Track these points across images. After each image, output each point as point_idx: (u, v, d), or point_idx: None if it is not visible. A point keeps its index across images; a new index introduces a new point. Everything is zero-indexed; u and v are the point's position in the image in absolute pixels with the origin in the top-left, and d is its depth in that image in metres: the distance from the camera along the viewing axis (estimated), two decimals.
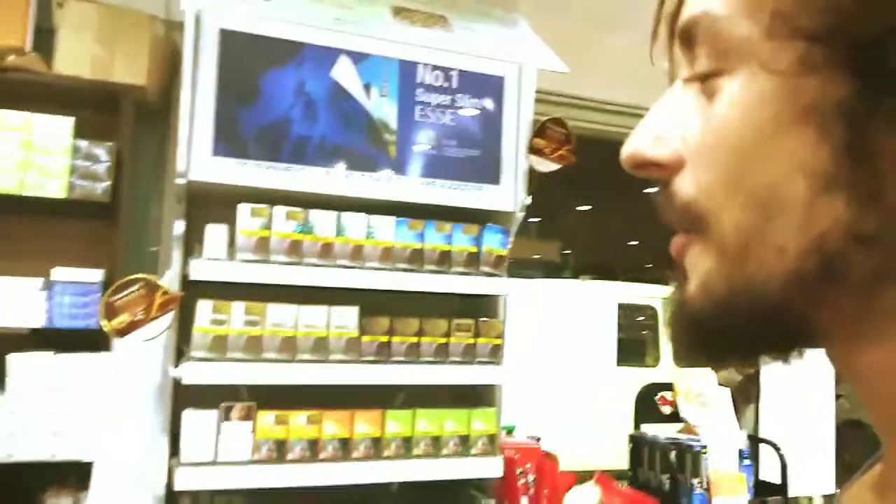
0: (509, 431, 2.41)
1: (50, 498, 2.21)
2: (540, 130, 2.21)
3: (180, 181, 1.87)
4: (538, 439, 2.68)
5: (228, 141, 1.93)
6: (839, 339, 0.41)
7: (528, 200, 2.19)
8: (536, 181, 2.19)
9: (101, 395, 2.11)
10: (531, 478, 2.19)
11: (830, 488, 4.11)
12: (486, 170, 2.18)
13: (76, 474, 2.22)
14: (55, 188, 2.19)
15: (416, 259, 2.07)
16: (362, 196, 2.06)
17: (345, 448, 1.98)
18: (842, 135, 0.36)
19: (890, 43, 0.34)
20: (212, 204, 1.96)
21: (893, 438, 0.41)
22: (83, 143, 2.22)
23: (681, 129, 0.42)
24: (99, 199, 2.25)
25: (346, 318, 2.00)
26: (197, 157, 1.89)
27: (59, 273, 2.22)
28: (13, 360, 2.15)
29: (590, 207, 9.99)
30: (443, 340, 2.09)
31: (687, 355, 0.45)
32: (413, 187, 2.10)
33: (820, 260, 0.37)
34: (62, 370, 2.20)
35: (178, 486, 1.83)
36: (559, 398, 4.71)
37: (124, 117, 2.35)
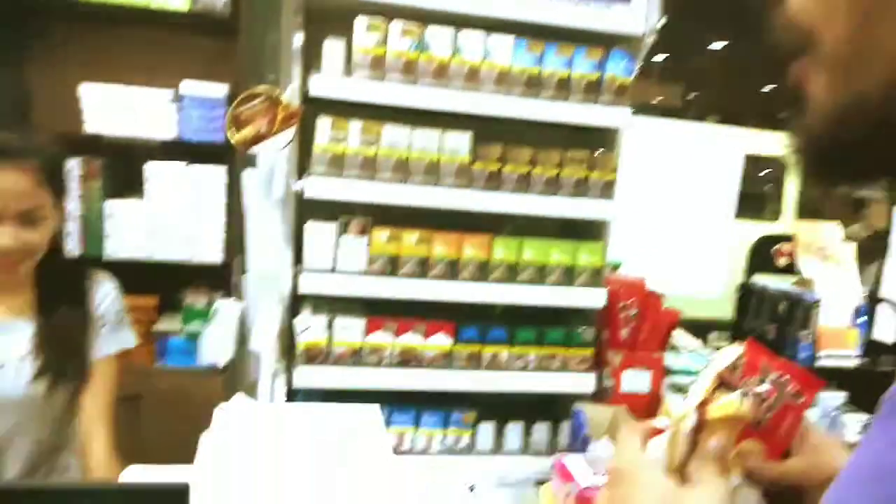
0: (615, 268, 2.42)
1: (187, 296, 2.47)
2: None
3: None
4: (644, 279, 2.68)
5: None
6: None
7: (662, 22, 2.02)
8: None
9: (232, 205, 2.26)
10: (633, 312, 2.21)
11: None
12: None
13: (208, 276, 2.45)
14: (180, 2, 2.23)
15: (533, 85, 1.99)
16: (480, 14, 1.95)
17: (453, 268, 2.06)
18: None
19: None
20: (330, 17, 1.93)
21: None
22: None
23: None
24: (219, 15, 2.27)
25: (459, 143, 2.00)
26: None
27: (187, 86, 2.31)
28: (150, 167, 2.32)
29: (724, 45, 9.19)
30: (555, 172, 2.06)
31: (812, 178, 0.46)
32: (535, 3, 1.97)
33: None
34: (194, 180, 2.35)
35: (301, 290, 1.98)
36: (670, 243, 4.64)
37: None
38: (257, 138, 1.86)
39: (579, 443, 1.93)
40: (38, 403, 1.39)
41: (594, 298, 2.14)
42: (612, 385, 2.14)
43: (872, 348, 3.22)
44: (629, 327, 2.20)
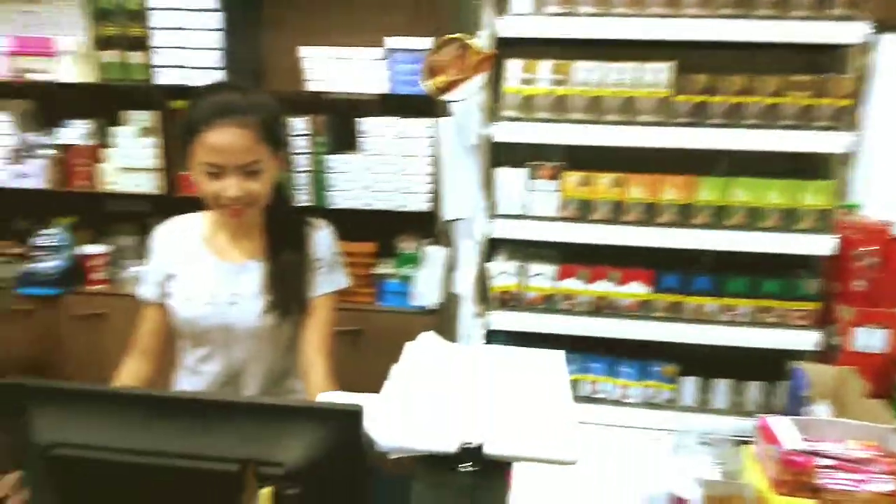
0: (851, 209, 2.09)
1: (401, 241, 2.63)
2: None
3: None
4: (889, 223, 2.29)
5: None
6: None
7: None
8: None
9: (435, 155, 2.34)
10: (872, 261, 1.90)
11: None
12: None
13: (418, 223, 2.58)
14: None
15: (743, 3, 1.76)
16: None
17: (650, 212, 1.93)
18: None
19: None
20: None
21: None
22: None
23: None
24: None
25: (657, 75, 1.85)
26: None
27: (394, 41, 2.41)
28: (366, 123, 2.48)
29: None
30: (772, 101, 1.82)
31: None
32: None
33: None
34: (403, 133, 2.47)
35: (494, 235, 2.01)
36: None
37: None
38: (451, 84, 1.90)
39: (795, 405, 1.73)
40: (269, 334, 1.57)
41: (821, 245, 1.87)
42: (840, 343, 1.87)
43: None
44: (865, 279, 1.90)
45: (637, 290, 1.97)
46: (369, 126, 2.48)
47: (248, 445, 0.94)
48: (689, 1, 1.78)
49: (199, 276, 1.54)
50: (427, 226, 2.54)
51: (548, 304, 2.02)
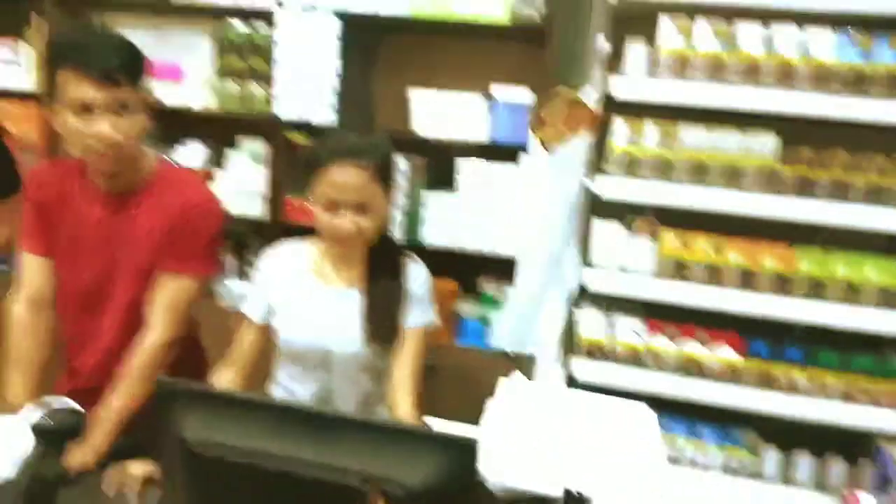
0: None
1: (484, 283, 2.69)
2: None
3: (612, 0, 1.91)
4: None
5: None
6: None
7: None
8: None
9: (528, 201, 2.41)
10: None
11: None
12: None
13: (503, 266, 2.64)
14: (500, 14, 2.44)
15: (858, 82, 1.80)
16: (796, 7, 1.82)
17: (748, 279, 1.95)
18: None
19: None
20: (634, 20, 1.96)
21: None
22: None
23: None
24: (534, 25, 2.43)
25: (765, 145, 1.89)
26: None
27: (498, 91, 2.52)
28: (463, 165, 2.58)
29: None
30: (879, 179, 1.83)
31: None
32: None
33: None
34: (498, 178, 2.55)
35: (587, 287, 2.05)
36: None
37: None
38: (557, 138, 1.98)
39: (881, 485, 1.70)
40: (363, 360, 1.65)
41: None
42: None
43: None
44: None
45: (726, 354, 1.99)
46: (467, 168, 2.58)
47: (373, 463, 1.01)
48: (801, 75, 1.83)
49: (303, 300, 1.64)
50: (512, 270, 2.60)
51: (634, 359, 2.05)
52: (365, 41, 2.72)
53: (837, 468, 2.01)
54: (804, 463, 2.04)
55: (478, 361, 2.54)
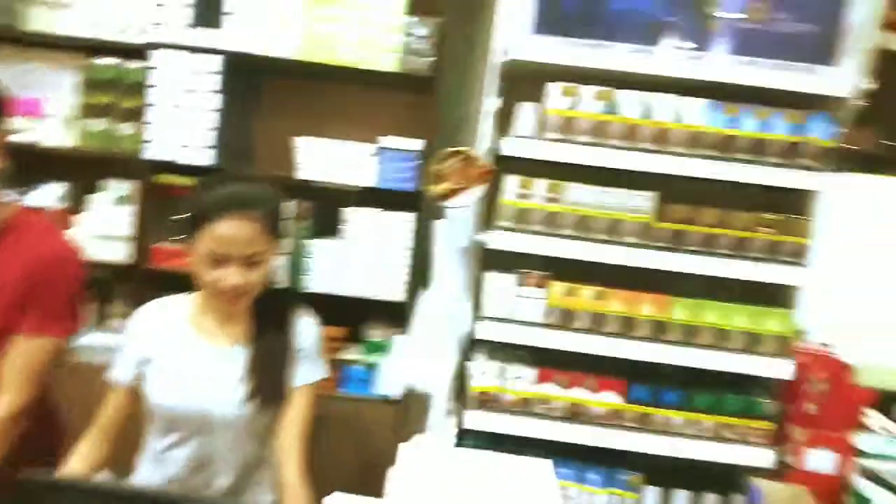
0: (801, 333, 2.28)
1: (369, 328, 2.66)
2: None
3: (501, 60, 1.97)
4: (828, 346, 2.50)
5: (549, 18, 1.96)
6: None
7: (870, 86, 1.93)
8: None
9: (416, 249, 2.42)
10: (822, 386, 2.07)
11: None
12: (822, 48, 1.94)
13: (390, 312, 2.62)
14: (388, 62, 2.45)
15: (726, 146, 1.97)
16: (678, 75, 1.97)
17: (628, 326, 2.06)
18: None
19: None
20: (522, 81, 2.04)
21: None
22: (413, 20, 2.41)
23: None
24: (422, 73, 2.46)
25: (643, 202, 2.01)
26: (518, 35, 1.96)
27: (387, 140, 2.52)
28: (349, 211, 2.55)
29: None
30: (744, 234, 2.01)
31: None
32: (731, 66, 1.96)
33: None
34: (385, 224, 2.54)
35: (478, 336, 2.08)
36: (863, 307, 4.25)
37: None
38: (452, 192, 2.00)
39: None
40: (246, 422, 1.57)
41: (781, 369, 2.04)
42: (794, 463, 2.02)
43: None
44: (816, 402, 2.07)
45: (610, 399, 2.08)
46: (353, 215, 2.55)
47: None
48: (675, 139, 1.97)
49: (181, 359, 1.54)
50: (399, 316, 2.59)
51: (524, 407, 2.09)
52: (248, 82, 2.63)
53: (711, 503, 2.15)
54: (681, 499, 2.16)
55: (363, 410, 2.50)
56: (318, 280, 2.54)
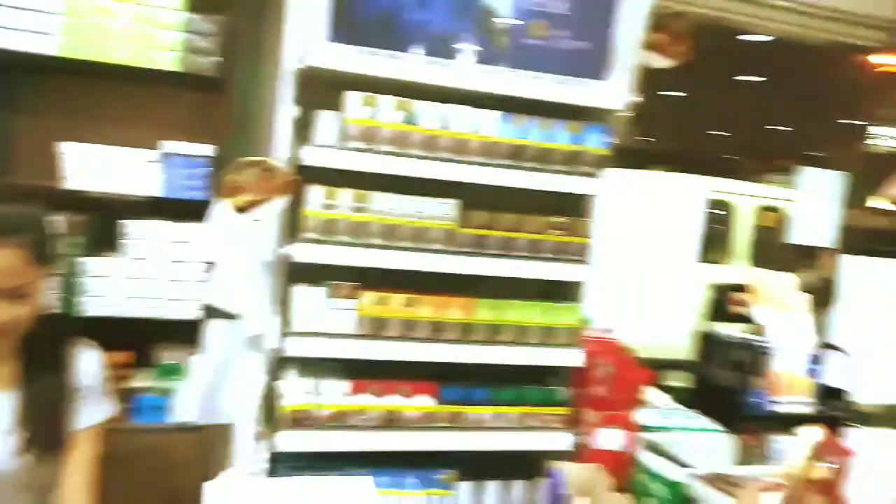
0: (587, 323, 2.50)
1: (163, 351, 2.45)
2: (659, 25, 2.12)
3: (297, 66, 1.90)
4: (611, 330, 2.77)
5: (344, 26, 1.93)
6: None
7: (637, 99, 2.15)
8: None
9: (217, 263, 2.26)
10: (608, 369, 2.29)
11: None
12: (596, 65, 2.12)
13: (185, 332, 2.44)
14: (166, 60, 2.25)
15: (517, 155, 2.08)
16: (468, 88, 2.05)
17: (437, 330, 2.11)
18: None
19: None
20: (321, 88, 1.99)
21: None
22: (195, 17, 2.24)
23: None
24: (208, 74, 2.29)
25: (446, 209, 2.07)
26: (313, 42, 1.90)
27: (172, 146, 2.32)
28: (130, 225, 2.31)
29: (680, 95, 9.55)
30: (536, 237, 2.15)
31: None
32: (520, 80, 2.08)
33: None
34: (173, 237, 2.35)
35: (288, 352, 2.00)
36: (636, 291, 4.80)
37: None
38: (252, 203, 1.89)
39: (555, 500, 1.98)
40: (21, 477, 1.38)
41: (572, 358, 2.21)
42: (589, 444, 2.21)
43: (826, 394, 3.38)
44: (603, 386, 2.28)
45: (424, 402, 2.11)
46: (134, 228, 2.32)
47: None
48: (473, 149, 2.04)
49: None
50: (194, 336, 2.42)
51: (339, 421, 2.06)
52: (3, 82, 2.28)
53: (519, 490, 2.28)
54: (491, 489, 2.27)
55: (162, 442, 2.30)
56: (96, 302, 2.29)
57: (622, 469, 2.14)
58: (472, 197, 2.11)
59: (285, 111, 1.97)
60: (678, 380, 4.00)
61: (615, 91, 2.14)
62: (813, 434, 1.31)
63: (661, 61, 2.13)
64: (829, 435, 1.29)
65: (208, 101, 2.36)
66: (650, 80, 2.18)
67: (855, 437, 3.46)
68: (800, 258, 5.06)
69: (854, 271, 3.68)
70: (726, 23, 3.49)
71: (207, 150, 2.35)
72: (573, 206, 2.26)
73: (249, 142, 2.31)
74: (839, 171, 3.49)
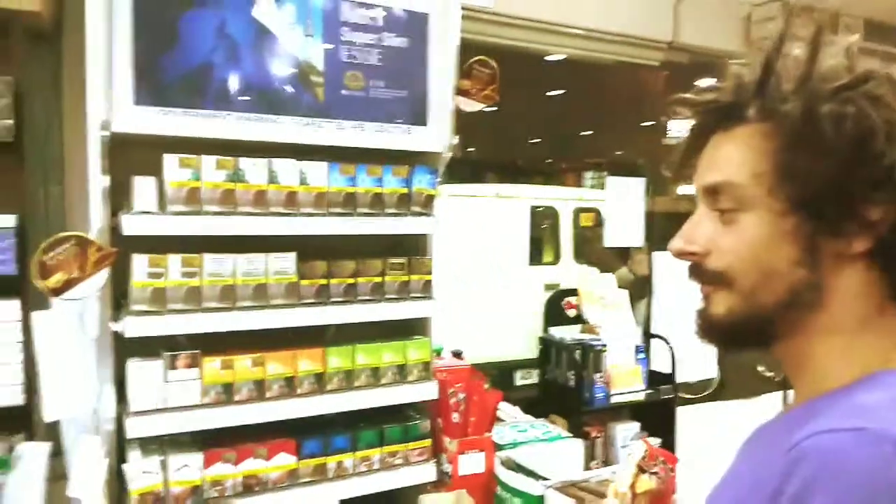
0: (438, 353, 2.57)
1: None
2: (466, 72, 2.24)
3: (104, 133, 1.78)
4: (460, 353, 2.88)
5: (150, 88, 1.84)
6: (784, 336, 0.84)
7: (455, 140, 2.25)
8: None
9: (29, 342, 2.07)
10: (461, 396, 2.37)
11: (713, 373, 4.67)
12: (415, 111, 2.20)
13: (7, 420, 2.21)
14: None
15: (349, 203, 2.10)
16: (291, 141, 2.04)
17: (290, 385, 2.08)
18: (804, 244, 0.80)
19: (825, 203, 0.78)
20: (139, 153, 1.89)
21: (799, 391, 0.85)
22: None
23: (707, 236, 0.86)
24: (1, 139, 2.11)
25: (285, 263, 2.04)
26: (118, 106, 1.80)
27: None
28: None
29: (493, 109, 10.11)
30: (378, 279, 2.18)
31: (716, 346, 0.89)
32: (342, 130, 2.11)
33: (790, 297, 0.81)
34: None
35: (129, 434, 1.88)
36: (476, 303, 4.99)
37: (19, 47, 2.17)
38: (68, 283, 1.76)
39: None
40: None
41: (426, 392, 2.27)
42: (451, 470, 2.27)
43: (654, 379, 3.72)
44: (459, 412, 2.36)
45: (284, 461, 2.07)
46: None
47: None
48: (304, 201, 2.04)
49: None
50: (20, 422, 2.20)
51: (196, 496, 1.96)
52: None
53: None
54: None
55: None
56: None
57: (484, 490, 2.23)
58: (310, 248, 2.10)
59: (95, 179, 1.85)
60: (529, 378, 4.22)
61: (436, 135, 2.23)
62: (636, 448, 1.44)
63: (470, 105, 2.25)
64: (651, 446, 1.42)
65: (2, 167, 2.16)
66: (464, 120, 2.30)
67: (684, 414, 3.85)
68: (616, 258, 5.54)
69: (664, 264, 4.08)
70: (532, 50, 3.77)
71: (9, 220, 2.15)
72: (411, 245, 2.32)
73: (59, 213, 2.14)
74: (641, 177, 3.85)
